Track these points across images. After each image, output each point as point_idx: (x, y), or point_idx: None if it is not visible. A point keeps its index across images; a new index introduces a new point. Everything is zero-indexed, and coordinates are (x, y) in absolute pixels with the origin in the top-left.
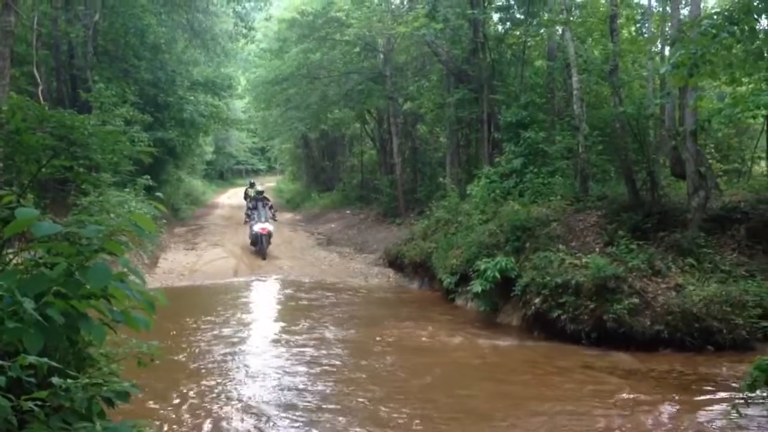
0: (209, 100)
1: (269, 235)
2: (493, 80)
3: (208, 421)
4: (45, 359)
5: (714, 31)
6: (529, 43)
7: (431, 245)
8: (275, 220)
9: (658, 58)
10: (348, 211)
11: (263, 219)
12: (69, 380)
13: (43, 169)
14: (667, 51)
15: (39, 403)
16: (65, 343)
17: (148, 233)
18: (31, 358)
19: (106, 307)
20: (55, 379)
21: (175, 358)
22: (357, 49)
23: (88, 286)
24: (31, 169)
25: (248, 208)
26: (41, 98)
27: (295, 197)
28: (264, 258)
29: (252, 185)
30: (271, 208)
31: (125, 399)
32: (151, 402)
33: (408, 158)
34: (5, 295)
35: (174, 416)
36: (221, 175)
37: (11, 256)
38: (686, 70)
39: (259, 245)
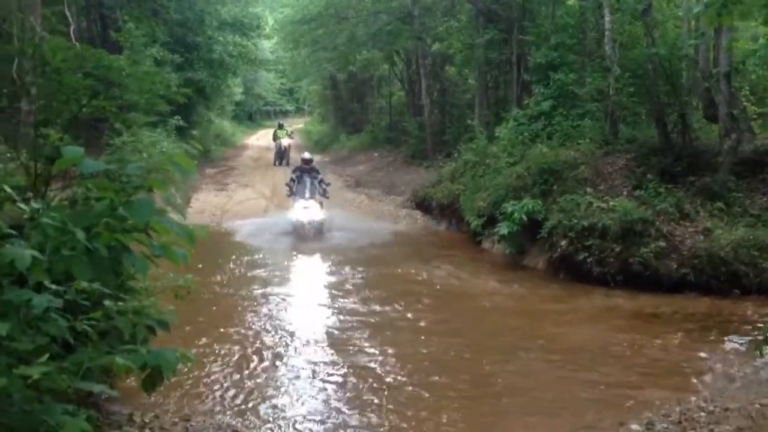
0: (238, 41)
1: (321, 224)
2: (524, 20)
3: (249, 351)
4: (97, 284)
5: None
6: None
7: (459, 187)
8: (326, 198)
9: None
10: (376, 153)
11: (308, 196)
12: (120, 303)
13: (83, 109)
14: None
15: (92, 324)
16: (110, 274)
17: (187, 172)
18: (84, 284)
19: (147, 241)
20: (107, 302)
21: (205, 296)
22: None
23: (131, 221)
24: (73, 108)
25: (291, 180)
26: (73, 38)
27: (323, 139)
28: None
29: (281, 126)
30: (321, 182)
31: (167, 328)
32: (186, 335)
33: (436, 100)
34: (58, 225)
35: (212, 347)
36: (250, 116)
37: (52, 194)
38: (715, 10)
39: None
